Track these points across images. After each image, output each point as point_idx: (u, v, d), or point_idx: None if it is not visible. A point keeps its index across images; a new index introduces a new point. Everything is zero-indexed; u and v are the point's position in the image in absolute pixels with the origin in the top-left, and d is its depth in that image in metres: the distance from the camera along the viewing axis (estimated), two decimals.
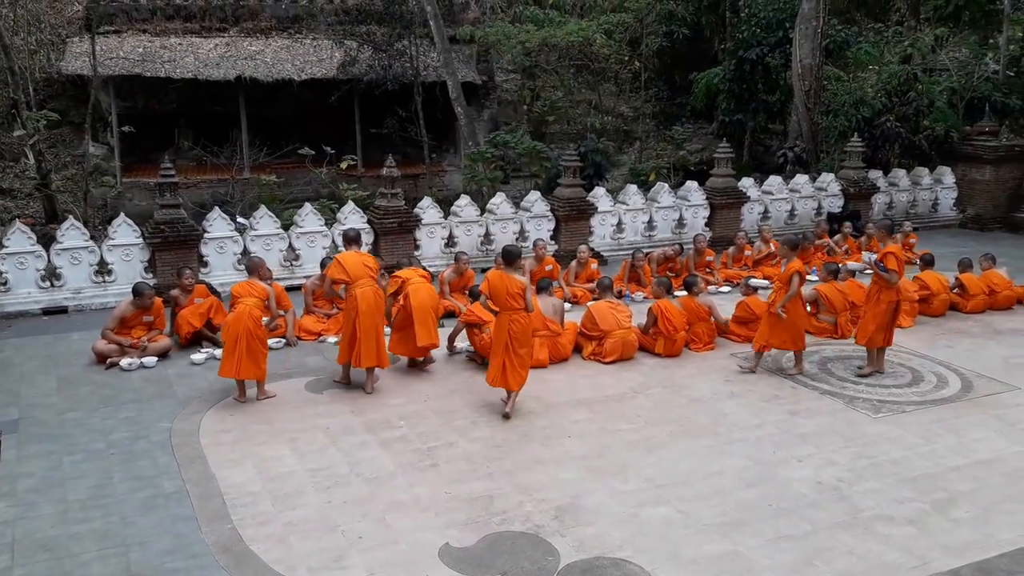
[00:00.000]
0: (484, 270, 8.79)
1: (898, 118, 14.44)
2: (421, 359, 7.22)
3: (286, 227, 10.22)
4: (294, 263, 10.09)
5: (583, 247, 9.91)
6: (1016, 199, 14.19)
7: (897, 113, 14.53)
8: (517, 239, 11.10)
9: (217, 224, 9.75)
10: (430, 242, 10.68)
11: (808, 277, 10.15)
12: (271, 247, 9.93)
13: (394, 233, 10.29)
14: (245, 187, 14.50)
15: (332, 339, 7.82)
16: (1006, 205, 14.12)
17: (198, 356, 7.42)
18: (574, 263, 9.75)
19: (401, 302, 7.04)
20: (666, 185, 12.50)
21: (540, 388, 6.67)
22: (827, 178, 13.27)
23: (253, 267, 6.93)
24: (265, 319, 6.79)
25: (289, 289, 8.80)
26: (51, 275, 9.08)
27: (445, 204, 11.42)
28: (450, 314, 8.43)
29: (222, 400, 6.52)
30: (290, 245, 10.11)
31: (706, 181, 12.46)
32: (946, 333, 8.39)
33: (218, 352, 7.46)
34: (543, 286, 7.72)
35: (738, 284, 9.61)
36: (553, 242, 11.18)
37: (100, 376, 7.09)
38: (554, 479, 5.26)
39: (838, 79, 15.75)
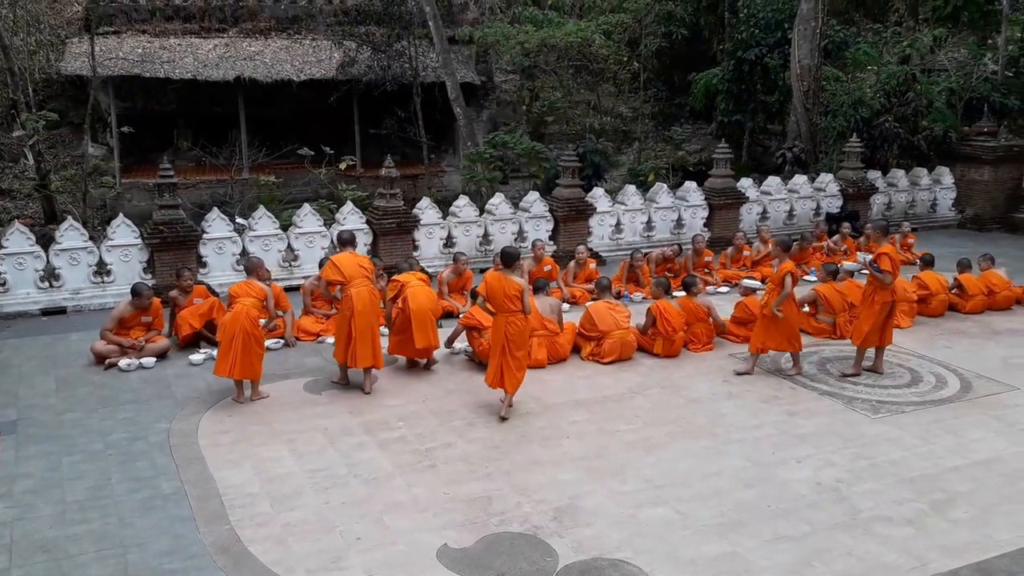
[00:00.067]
0: (483, 270, 8.80)
1: (897, 118, 14.45)
2: (423, 361, 7.22)
3: (285, 228, 10.22)
4: (293, 263, 10.09)
5: (581, 247, 9.91)
6: (1015, 199, 14.19)
7: (896, 113, 14.54)
8: (516, 239, 11.10)
9: (216, 225, 9.75)
10: (429, 242, 10.68)
11: (807, 278, 10.24)
12: (270, 247, 9.93)
13: (393, 233, 10.29)
14: (244, 187, 14.50)
15: (331, 340, 7.79)
16: (1005, 205, 14.13)
17: (197, 357, 7.42)
18: (573, 263, 9.75)
19: (400, 306, 7.05)
20: (665, 186, 12.50)
21: (538, 389, 6.67)
22: (826, 178, 13.28)
23: (252, 267, 6.93)
24: (263, 320, 6.79)
25: (288, 290, 8.79)
26: (50, 276, 9.08)
27: (444, 204, 11.42)
28: (448, 314, 8.43)
29: (220, 401, 6.52)
30: (289, 246, 10.11)
31: (705, 181, 12.47)
32: (945, 333, 8.39)
33: (216, 352, 7.47)
34: (539, 286, 7.72)
35: (736, 285, 9.62)
36: (552, 242, 11.19)
37: (98, 377, 7.09)
38: (552, 480, 5.26)
39: (837, 79, 15.76)
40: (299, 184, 14.73)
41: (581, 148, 13.87)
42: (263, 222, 10.01)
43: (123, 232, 9.31)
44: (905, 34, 17.36)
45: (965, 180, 14.24)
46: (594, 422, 6.17)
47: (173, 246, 9.25)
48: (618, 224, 11.82)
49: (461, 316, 7.71)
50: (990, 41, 17.06)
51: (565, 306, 8.83)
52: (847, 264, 8.75)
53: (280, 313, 7.55)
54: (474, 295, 7.94)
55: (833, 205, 13.10)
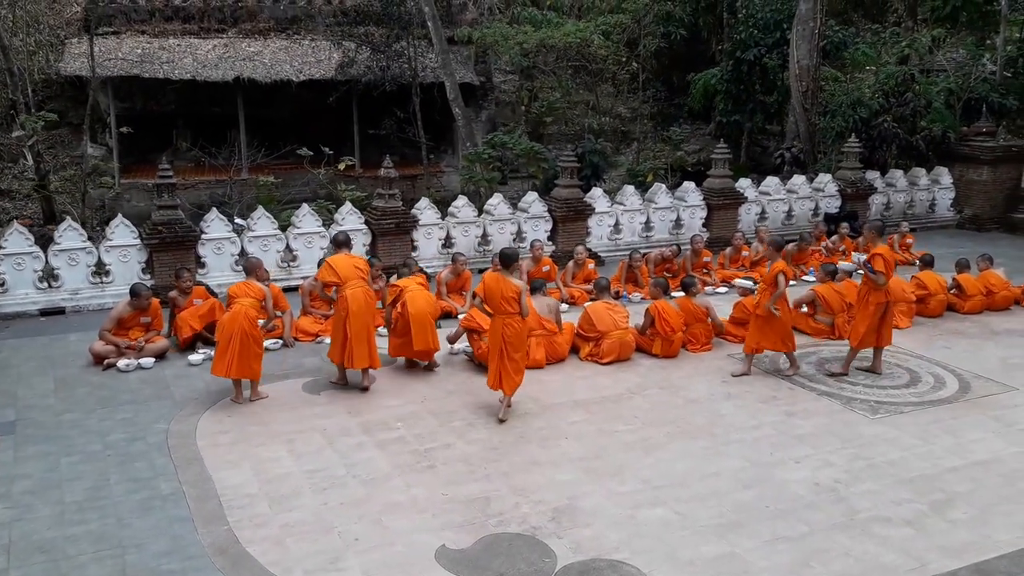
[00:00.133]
0: (481, 271, 8.80)
1: (895, 119, 14.46)
2: (424, 362, 7.22)
3: (284, 228, 10.22)
4: (291, 264, 10.08)
5: (580, 248, 9.91)
6: (1013, 199, 14.21)
7: (894, 114, 14.56)
8: (514, 240, 11.10)
9: (215, 225, 9.75)
10: (427, 243, 10.68)
11: (805, 278, 10.24)
12: (268, 248, 9.92)
13: (391, 234, 10.29)
14: (243, 188, 14.49)
15: (330, 340, 7.80)
16: (1003, 206, 14.14)
17: (195, 357, 7.42)
18: (571, 264, 9.75)
19: (399, 310, 7.07)
20: (663, 186, 12.50)
21: (537, 389, 6.67)
22: (824, 179, 13.29)
23: (251, 268, 6.94)
24: (262, 321, 6.79)
25: (286, 290, 8.79)
26: (49, 276, 9.07)
27: (443, 205, 11.42)
28: (447, 315, 8.43)
29: (219, 401, 6.51)
30: (288, 246, 10.11)
31: (703, 182, 12.47)
32: (944, 334, 8.39)
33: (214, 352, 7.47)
34: (536, 286, 7.73)
35: (734, 285, 9.65)
36: (550, 243, 11.19)
37: (97, 377, 7.09)
38: (551, 480, 5.26)
39: (835, 80, 15.78)
40: (298, 184, 14.73)
41: (580, 148, 13.88)
42: (262, 222, 10.01)
43: (122, 232, 9.30)
44: (904, 34, 17.38)
45: (964, 180, 14.25)
46: (593, 423, 6.17)
47: (172, 246, 9.25)
48: (617, 224, 11.83)
49: (462, 318, 7.71)
50: (988, 41, 17.08)
51: (564, 306, 8.84)
52: (843, 264, 8.76)
53: (279, 314, 7.55)
54: (475, 296, 7.94)
55: (832, 205, 13.11)
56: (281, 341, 7.86)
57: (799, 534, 4.67)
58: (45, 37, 15.97)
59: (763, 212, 12.78)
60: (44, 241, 9.41)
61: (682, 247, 10.37)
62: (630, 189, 12.20)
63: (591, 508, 4.92)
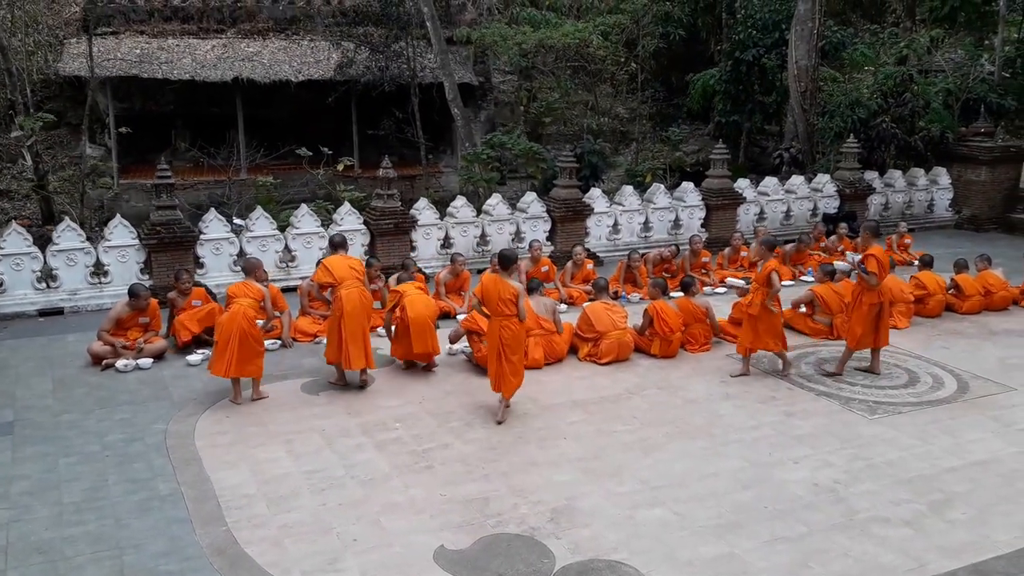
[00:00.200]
0: (480, 271, 8.80)
1: (894, 119, 14.48)
2: (423, 364, 7.23)
3: (282, 228, 10.21)
4: (290, 264, 10.08)
5: (579, 248, 9.91)
6: (1012, 200, 14.22)
7: (893, 114, 14.57)
8: (513, 240, 11.11)
9: (213, 225, 9.74)
10: (426, 243, 10.68)
11: (804, 278, 10.25)
12: (267, 248, 9.92)
13: (390, 234, 10.29)
14: (242, 188, 14.49)
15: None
16: (1002, 206, 14.16)
17: (194, 357, 7.41)
18: (570, 264, 9.75)
19: (399, 314, 7.09)
20: (662, 186, 12.51)
21: (536, 389, 6.67)
22: (823, 179, 13.29)
23: (250, 268, 6.95)
24: (261, 321, 6.79)
25: (285, 291, 8.80)
26: (47, 276, 9.06)
27: (441, 205, 11.43)
28: (445, 315, 8.43)
29: (218, 402, 6.51)
30: (286, 246, 10.10)
31: (702, 182, 12.48)
32: (942, 334, 8.40)
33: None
34: (533, 286, 7.72)
35: (726, 285, 9.69)
36: (549, 243, 11.19)
37: (95, 378, 7.08)
38: (549, 481, 5.25)
39: (834, 80, 15.79)
40: (297, 185, 14.72)
41: (579, 149, 13.88)
42: (260, 223, 10.01)
43: (120, 233, 9.29)
44: (902, 35, 17.41)
45: (962, 181, 14.27)
46: (591, 423, 6.17)
47: (170, 247, 9.24)
48: (615, 225, 11.83)
49: (463, 319, 7.70)
50: (987, 42, 17.11)
51: (562, 307, 8.84)
52: (838, 264, 8.77)
53: (277, 314, 7.55)
54: (474, 297, 7.94)
55: (830, 206, 13.11)
56: (280, 342, 7.85)
57: (798, 534, 4.67)
58: (44, 37, 15.96)
59: (762, 212, 12.79)
60: (42, 241, 9.40)
61: (681, 247, 10.38)
62: (629, 189, 12.20)
63: (590, 508, 4.92)
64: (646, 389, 6.86)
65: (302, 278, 9.35)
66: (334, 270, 6.68)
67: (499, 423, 6.10)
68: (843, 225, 11.65)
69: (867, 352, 7.19)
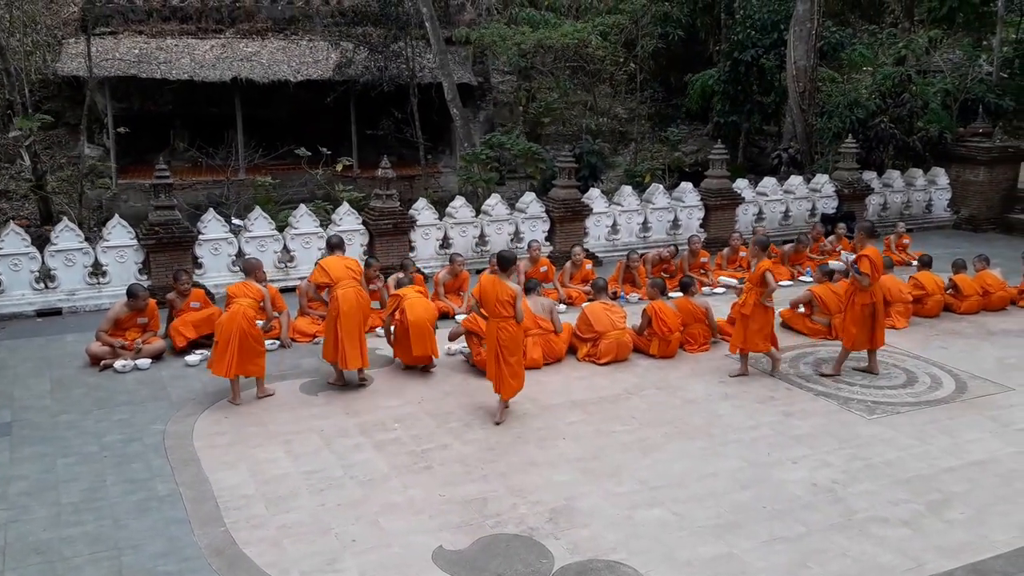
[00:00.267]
0: (479, 271, 8.80)
1: (892, 119, 14.49)
2: (422, 366, 7.24)
3: (281, 228, 10.21)
4: (289, 265, 10.07)
5: (577, 248, 9.91)
6: (1010, 200, 14.24)
7: (891, 114, 14.59)
8: (512, 240, 11.11)
9: (212, 225, 9.74)
10: (425, 243, 10.68)
11: (802, 278, 10.26)
12: (266, 248, 9.91)
13: (389, 234, 10.28)
14: (240, 188, 14.48)
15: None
16: (1000, 206, 14.17)
17: (192, 358, 7.41)
18: (569, 264, 9.75)
19: (398, 317, 7.10)
20: (661, 186, 12.51)
21: (535, 389, 6.67)
22: (821, 179, 13.31)
23: (250, 268, 6.97)
24: (260, 322, 6.78)
25: (284, 291, 8.80)
26: (45, 277, 9.05)
27: (440, 205, 11.43)
28: (444, 315, 8.42)
29: (216, 402, 6.50)
30: (285, 247, 10.10)
31: (701, 182, 12.48)
32: (940, 334, 8.41)
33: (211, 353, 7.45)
34: (530, 287, 7.72)
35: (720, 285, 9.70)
36: (548, 243, 11.19)
37: (94, 378, 7.07)
38: (548, 481, 5.26)
39: (832, 81, 15.80)
40: (296, 185, 14.71)
41: (578, 149, 13.88)
42: (259, 223, 10.00)
43: (119, 233, 9.28)
44: (901, 35, 17.43)
45: (960, 181, 14.28)
46: (590, 423, 6.17)
47: (169, 247, 9.24)
48: (614, 225, 11.83)
49: (464, 319, 7.69)
50: (985, 42, 17.14)
51: (561, 307, 8.84)
52: (832, 263, 8.78)
53: (276, 314, 7.55)
54: (472, 298, 7.94)
55: (829, 206, 13.13)
56: (278, 342, 7.85)
57: (796, 534, 4.67)
58: (42, 37, 15.93)
59: (760, 212, 12.80)
60: (41, 242, 9.39)
61: (679, 247, 10.39)
62: (628, 190, 12.21)
63: (588, 509, 4.92)
64: (645, 389, 6.86)
65: (301, 278, 9.34)
66: (330, 270, 6.72)
67: (497, 424, 6.10)
68: (841, 225, 11.65)
69: (860, 353, 7.20)
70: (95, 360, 7.30)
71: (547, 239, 11.26)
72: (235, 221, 10.71)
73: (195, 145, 15.33)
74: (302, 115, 15.91)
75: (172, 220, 9.29)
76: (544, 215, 11.29)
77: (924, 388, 6.93)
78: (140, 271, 9.33)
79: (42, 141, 14.51)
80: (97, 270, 9.25)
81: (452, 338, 7.59)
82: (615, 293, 9.40)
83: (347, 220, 10.30)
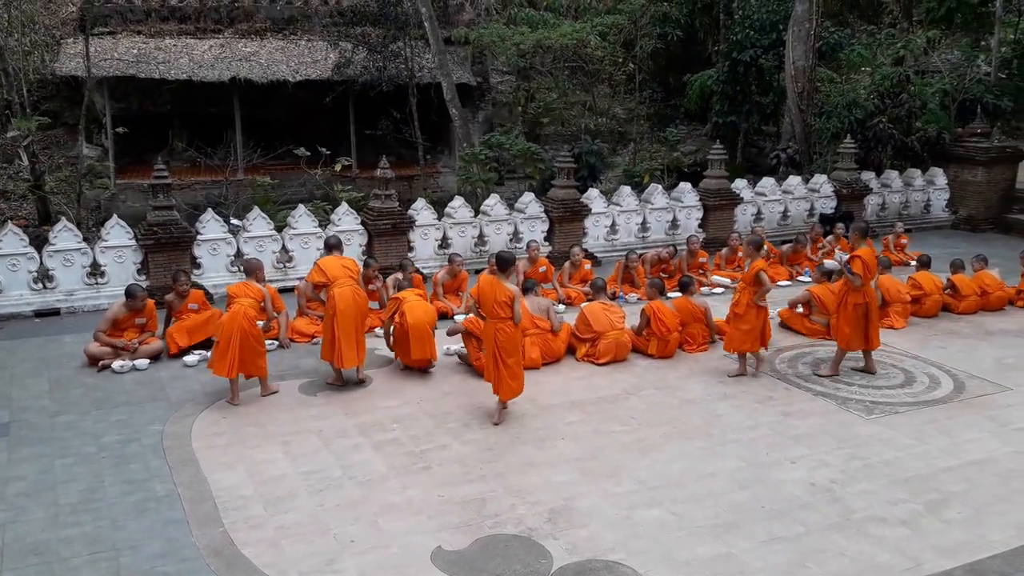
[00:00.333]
0: (478, 271, 8.80)
1: (891, 120, 14.51)
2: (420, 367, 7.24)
3: (280, 229, 10.20)
4: (287, 265, 10.07)
5: (576, 248, 9.91)
6: (1008, 200, 14.26)
7: (890, 115, 14.61)
8: (511, 240, 11.11)
9: (210, 226, 9.73)
10: (424, 243, 10.68)
11: (801, 278, 10.27)
12: (264, 249, 9.91)
13: (388, 234, 10.28)
14: (239, 188, 14.47)
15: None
16: (998, 206, 14.19)
17: (191, 358, 7.40)
18: (568, 264, 9.76)
19: (398, 320, 7.11)
20: (660, 186, 12.52)
21: (534, 390, 6.66)
22: (820, 179, 13.32)
23: (251, 269, 6.99)
24: (260, 322, 6.79)
25: (283, 291, 8.78)
26: (43, 277, 9.04)
27: (439, 205, 11.42)
28: (443, 316, 8.42)
29: (215, 403, 6.50)
30: (283, 247, 10.09)
31: (699, 182, 12.49)
32: (938, 334, 8.42)
33: (210, 354, 7.44)
34: (528, 287, 7.71)
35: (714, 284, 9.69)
36: (547, 243, 11.20)
37: (92, 379, 7.06)
38: (547, 481, 5.26)
39: (831, 81, 15.82)
40: (294, 185, 14.70)
41: (576, 149, 13.88)
42: (258, 223, 9.99)
43: (117, 233, 9.28)
44: (899, 36, 17.44)
45: (958, 181, 14.30)
46: (589, 423, 6.17)
47: (167, 247, 9.23)
48: (613, 225, 11.84)
49: (464, 319, 7.69)
50: (983, 43, 17.16)
51: (560, 307, 8.85)
52: (827, 263, 8.79)
53: (275, 315, 7.55)
54: (470, 298, 7.93)
55: (827, 206, 13.14)
56: (277, 342, 7.84)
57: (795, 534, 4.68)
58: (41, 37, 15.91)
59: (759, 213, 12.81)
60: (39, 242, 9.38)
61: (678, 248, 10.39)
62: (626, 190, 12.21)
63: (587, 509, 4.92)
64: (644, 389, 6.86)
65: (299, 278, 9.34)
66: (327, 270, 6.75)
67: (495, 424, 6.10)
68: (840, 225, 11.66)
69: (856, 353, 7.20)
70: (93, 360, 7.29)
71: (546, 239, 11.26)
72: (233, 221, 10.70)
73: (194, 145, 15.32)
74: (301, 115, 15.91)
75: (170, 220, 9.28)
76: (543, 215, 11.29)
77: (922, 388, 6.94)
78: (138, 271, 9.32)
79: (40, 141, 14.50)
80: (95, 270, 9.24)
81: (451, 334, 7.58)
82: (614, 293, 9.40)
83: (346, 220, 10.29)
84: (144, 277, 9.22)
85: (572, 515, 4.85)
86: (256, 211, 10.18)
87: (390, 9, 15.12)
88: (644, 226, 12.06)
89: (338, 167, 14.82)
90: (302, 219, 10.17)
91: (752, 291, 6.87)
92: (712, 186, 12.26)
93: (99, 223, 11.31)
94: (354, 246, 10.18)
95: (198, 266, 9.59)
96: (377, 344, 7.63)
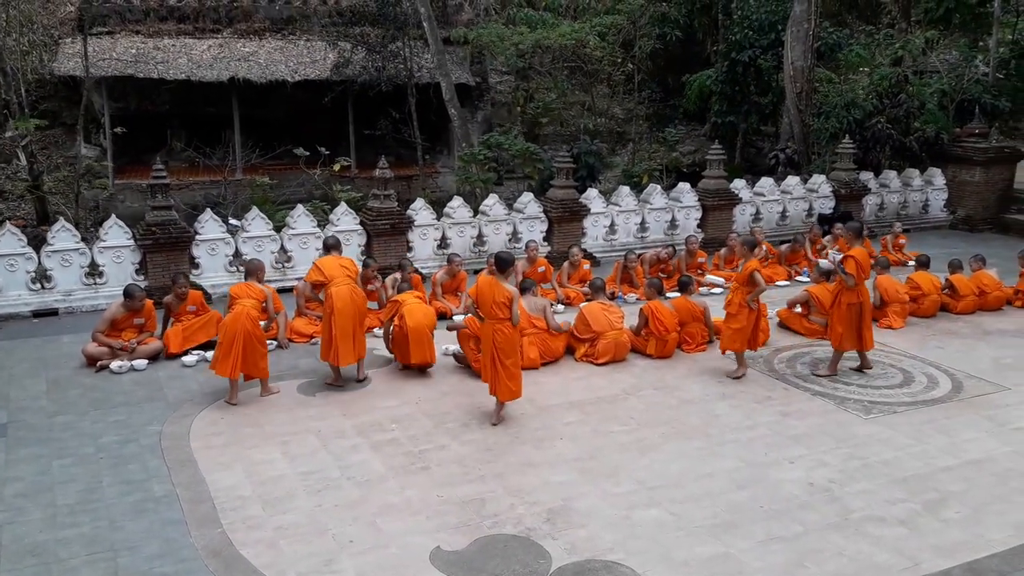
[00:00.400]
0: (477, 271, 8.80)
1: (889, 120, 14.52)
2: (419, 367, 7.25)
3: (278, 229, 10.19)
4: (286, 265, 10.06)
5: (575, 248, 9.91)
6: (1005, 200, 14.27)
7: (888, 115, 14.61)
8: (510, 241, 11.11)
9: (209, 226, 9.72)
10: (423, 244, 10.68)
11: (799, 278, 10.28)
12: (263, 249, 9.89)
13: (387, 235, 10.27)
14: (238, 188, 14.45)
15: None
16: (996, 206, 14.21)
17: (189, 359, 7.40)
18: (566, 264, 9.76)
19: (398, 323, 7.11)
20: (658, 187, 12.52)
21: (532, 390, 6.66)
22: (818, 180, 13.33)
23: (252, 270, 7.00)
24: (261, 322, 6.79)
25: (281, 291, 8.77)
26: (41, 277, 9.03)
27: (438, 205, 11.42)
28: (441, 316, 8.42)
29: (213, 403, 6.49)
30: (282, 247, 10.08)
31: (698, 183, 12.50)
32: (936, 334, 8.43)
33: (209, 355, 7.43)
34: (526, 287, 7.70)
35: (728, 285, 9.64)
36: (546, 243, 11.19)
37: (90, 379, 7.06)
38: (546, 482, 5.26)
39: (829, 81, 15.82)
40: (293, 185, 14.69)
41: (575, 149, 13.88)
42: (256, 223, 9.98)
43: (115, 233, 9.26)
44: (897, 36, 17.45)
45: (957, 181, 14.31)
46: (588, 423, 6.17)
47: (166, 247, 9.22)
48: (612, 225, 11.84)
49: (465, 318, 7.68)
50: (981, 43, 17.18)
51: (559, 307, 8.84)
52: (822, 263, 8.79)
53: (275, 315, 7.54)
54: (468, 298, 7.92)
55: (826, 206, 13.15)
56: (275, 342, 7.83)
57: (793, 534, 4.68)
58: (39, 37, 15.89)
59: (758, 213, 12.81)
60: (37, 242, 9.37)
61: (677, 248, 10.39)
62: (625, 190, 12.21)
63: (586, 509, 4.92)
64: (642, 389, 6.87)
65: (298, 279, 9.33)
66: (325, 269, 6.78)
67: (494, 425, 6.10)
68: (839, 226, 11.64)
69: (852, 353, 7.20)
70: (91, 361, 7.28)
71: (545, 239, 11.26)
72: (232, 221, 10.69)
73: (192, 145, 15.30)
74: (300, 115, 15.89)
75: (169, 220, 9.27)
76: (542, 215, 11.29)
77: (921, 388, 6.95)
78: (137, 271, 9.31)
79: (39, 141, 14.47)
80: (94, 270, 9.23)
81: (451, 329, 7.58)
82: (613, 293, 9.40)
83: (345, 220, 10.29)
84: (142, 277, 9.21)
85: (571, 515, 4.85)
86: (255, 211, 10.17)
87: (389, 9, 15.11)
88: (643, 226, 12.06)
89: (337, 167, 14.81)
90: (301, 219, 10.17)
91: (745, 291, 6.87)
92: (711, 186, 12.26)
93: (97, 223, 11.30)
94: (353, 246, 10.17)
95: (197, 266, 9.58)
96: (376, 344, 7.63)
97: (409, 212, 10.61)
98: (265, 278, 8.24)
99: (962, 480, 5.32)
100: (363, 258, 9.62)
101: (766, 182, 13.16)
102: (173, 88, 15.19)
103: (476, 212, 11.23)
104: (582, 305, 8.10)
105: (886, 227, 12.58)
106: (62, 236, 9.10)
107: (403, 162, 16.21)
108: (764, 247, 10.57)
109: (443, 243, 10.83)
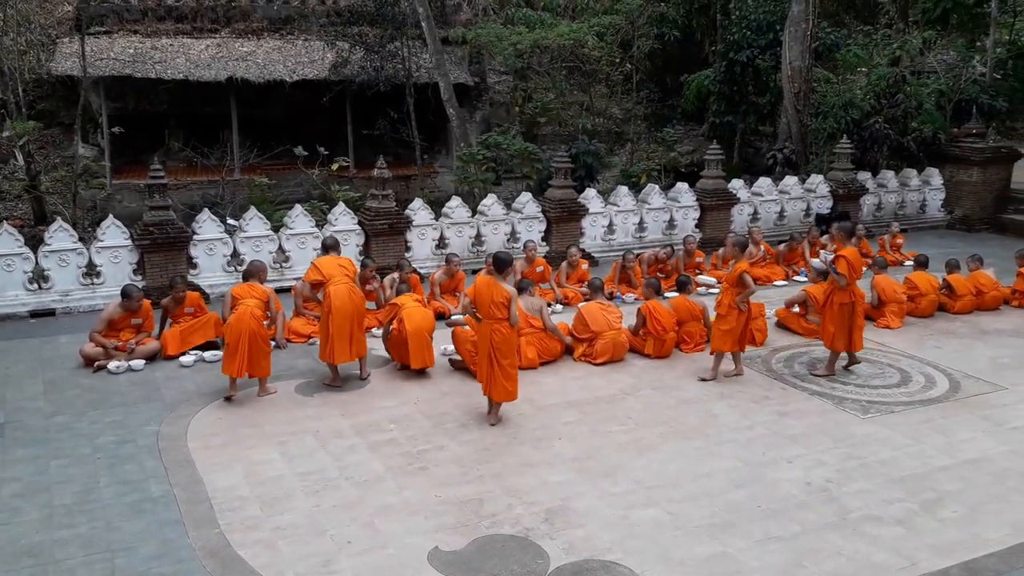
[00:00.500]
0: (475, 271, 8.78)
1: (887, 120, 14.54)
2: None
3: (276, 229, 10.18)
4: (284, 265, 10.05)
5: (573, 248, 9.91)
6: (1003, 200, 14.30)
7: (886, 115, 14.63)
8: (508, 240, 11.11)
9: (207, 226, 9.71)
10: (421, 243, 10.67)
11: (797, 278, 10.29)
12: (261, 249, 9.88)
13: (385, 234, 10.27)
14: (236, 188, 14.44)
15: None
16: (993, 206, 14.23)
17: (187, 359, 7.39)
18: (565, 264, 9.76)
19: (397, 326, 7.12)
20: (657, 186, 12.53)
21: (531, 390, 6.67)
22: (816, 179, 13.34)
23: (254, 271, 7.01)
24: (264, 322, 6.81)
25: (279, 291, 8.75)
26: (39, 277, 9.01)
27: (436, 205, 11.41)
28: (440, 316, 8.42)
29: (211, 403, 6.49)
30: (280, 247, 10.07)
31: (696, 183, 12.51)
32: (934, 334, 8.44)
33: (207, 355, 7.44)
34: (523, 287, 7.70)
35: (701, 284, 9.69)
36: (544, 243, 11.20)
37: (87, 379, 7.04)
38: (544, 482, 5.26)
39: (827, 81, 15.84)
40: (291, 185, 14.68)
41: (574, 149, 13.89)
42: (254, 223, 9.97)
43: (113, 233, 9.25)
44: (895, 36, 17.47)
45: (954, 181, 14.34)
46: (586, 423, 6.17)
47: (163, 247, 9.20)
48: (610, 225, 11.84)
49: (465, 316, 7.68)
50: (979, 43, 17.22)
51: (558, 307, 8.85)
52: (815, 262, 8.80)
53: (275, 316, 7.54)
54: (466, 297, 7.91)
55: (823, 206, 13.16)
56: (273, 342, 7.82)
57: (791, 534, 4.68)
58: (36, 36, 15.85)
59: (755, 213, 12.82)
60: (34, 242, 9.35)
61: (675, 248, 10.40)
62: (624, 190, 12.22)
63: (584, 509, 4.92)
64: (641, 389, 6.87)
65: (296, 279, 9.31)
66: (323, 268, 6.79)
67: (492, 425, 6.10)
68: (834, 225, 11.67)
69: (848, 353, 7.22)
70: (89, 361, 7.27)
71: (543, 239, 11.26)
72: (230, 221, 10.68)
73: (190, 145, 15.28)
74: (298, 115, 15.88)
75: (167, 220, 9.25)
76: (540, 215, 11.29)
77: (918, 387, 6.96)
78: (134, 272, 9.29)
79: (36, 141, 14.45)
80: (91, 271, 9.21)
81: (451, 325, 7.58)
82: (611, 293, 9.41)
83: (343, 220, 10.28)
84: (140, 277, 9.19)
85: (569, 515, 4.85)
86: (253, 211, 10.16)
87: (387, 9, 15.10)
88: (641, 226, 12.06)
89: (335, 167, 14.81)
90: (299, 219, 10.16)
91: (735, 292, 6.86)
92: (709, 186, 12.27)
93: (95, 223, 11.28)
94: (351, 246, 10.16)
95: (194, 266, 9.57)
96: (374, 344, 7.62)
97: (407, 212, 10.60)
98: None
99: (959, 479, 5.33)
100: (361, 258, 9.62)
101: (764, 182, 13.17)
102: (171, 88, 15.16)
103: (474, 212, 11.22)
104: (580, 305, 8.10)
105: (884, 227, 12.59)
106: (59, 236, 9.08)
107: (401, 162, 16.20)
108: (763, 247, 10.58)
109: (441, 243, 10.82)
